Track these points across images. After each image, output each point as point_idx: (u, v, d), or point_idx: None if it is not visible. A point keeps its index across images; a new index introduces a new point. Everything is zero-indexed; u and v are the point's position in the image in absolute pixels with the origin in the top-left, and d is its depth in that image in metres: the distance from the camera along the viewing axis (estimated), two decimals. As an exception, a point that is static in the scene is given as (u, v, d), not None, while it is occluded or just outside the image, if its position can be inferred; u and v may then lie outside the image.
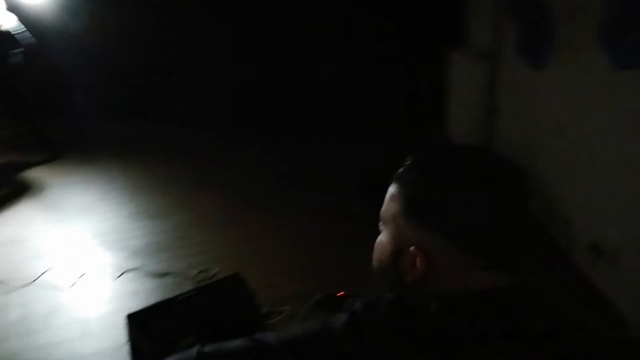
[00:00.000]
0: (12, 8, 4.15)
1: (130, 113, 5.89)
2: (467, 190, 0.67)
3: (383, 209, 0.75)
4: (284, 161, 4.36)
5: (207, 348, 0.72)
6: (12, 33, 4.16)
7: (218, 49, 5.43)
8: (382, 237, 0.76)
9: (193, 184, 3.89)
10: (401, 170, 0.73)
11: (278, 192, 3.68)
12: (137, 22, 5.66)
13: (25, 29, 4.25)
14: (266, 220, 3.21)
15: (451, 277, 0.69)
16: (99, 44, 5.78)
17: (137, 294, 2.41)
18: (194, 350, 0.72)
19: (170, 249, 2.82)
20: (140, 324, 1.72)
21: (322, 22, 4.91)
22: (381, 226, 0.77)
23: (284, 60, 5.18)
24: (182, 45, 5.61)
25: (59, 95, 5.57)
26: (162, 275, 2.53)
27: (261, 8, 5.07)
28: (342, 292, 1.69)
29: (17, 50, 4.26)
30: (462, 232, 0.67)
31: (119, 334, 1.97)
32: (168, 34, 5.63)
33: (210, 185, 3.84)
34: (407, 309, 0.67)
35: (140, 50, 5.76)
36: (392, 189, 0.74)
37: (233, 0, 5.12)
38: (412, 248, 0.69)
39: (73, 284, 2.51)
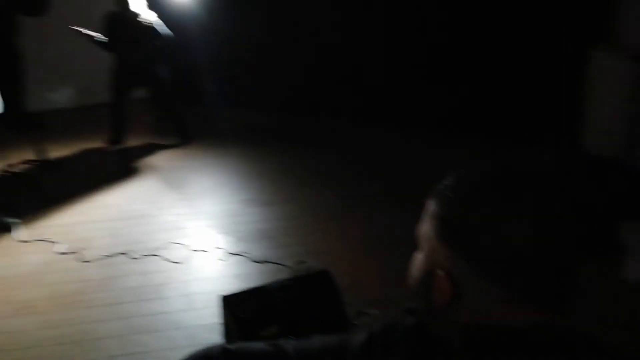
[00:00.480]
0: (152, 5, 4.65)
1: (256, 103, 6.23)
2: (503, 221, 0.60)
3: (420, 225, 0.69)
4: (402, 159, 4.29)
5: (232, 346, 0.74)
6: (153, 26, 4.62)
7: (349, 40, 5.47)
8: (418, 255, 0.71)
9: (305, 175, 3.99)
10: (441, 186, 0.67)
11: (390, 191, 3.61)
12: (267, 15, 5.92)
13: (163, 23, 4.69)
14: (370, 220, 3.18)
15: (479, 308, 0.62)
16: (230, 37, 6.17)
17: (238, 277, 2.53)
18: (219, 346, 0.75)
19: (274, 237, 2.92)
20: (232, 307, 1.80)
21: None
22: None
23: (416, 55, 5.04)
24: (312, 36, 5.75)
25: (192, 84, 6.09)
26: (262, 262, 2.63)
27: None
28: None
29: (157, 42, 4.72)
30: (494, 263, 0.60)
31: (217, 313, 2.09)
32: (298, 27, 5.81)
33: (321, 179, 3.91)
34: (426, 338, 0.63)
35: (271, 41, 6.03)
36: (429, 206, 0.68)
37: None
38: (440, 272, 0.64)
39: (185, 260, 2.72)
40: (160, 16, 4.75)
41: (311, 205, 3.39)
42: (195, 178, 4.06)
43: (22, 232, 3.10)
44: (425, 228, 0.68)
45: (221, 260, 2.70)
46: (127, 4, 4.48)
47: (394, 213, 3.24)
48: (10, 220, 3.20)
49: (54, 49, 5.85)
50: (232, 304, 1.82)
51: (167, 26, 4.77)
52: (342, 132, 5.26)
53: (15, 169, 4.35)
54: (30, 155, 4.50)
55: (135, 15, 4.53)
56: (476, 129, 4.55)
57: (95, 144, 5.04)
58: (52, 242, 2.95)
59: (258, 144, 4.95)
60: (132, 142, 5.01)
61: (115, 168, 4.40)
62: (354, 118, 5.44)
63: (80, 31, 4.44)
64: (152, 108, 5.49)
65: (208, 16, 5.93)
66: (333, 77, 5.63)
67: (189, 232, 3.06)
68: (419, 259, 0.71)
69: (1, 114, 4.23)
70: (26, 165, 4.45)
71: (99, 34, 4.56)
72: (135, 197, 3.67)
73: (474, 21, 4.64)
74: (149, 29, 4.59)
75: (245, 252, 2.74)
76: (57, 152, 4.76)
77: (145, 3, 4.61)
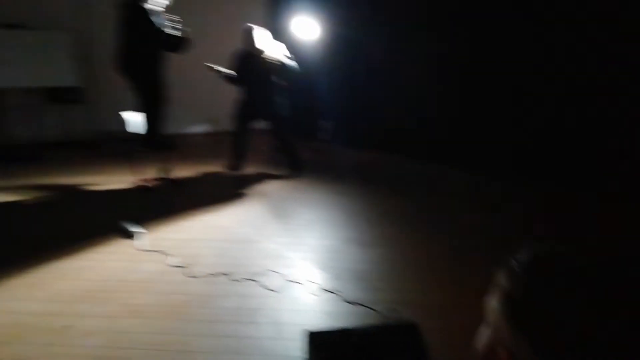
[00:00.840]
0: (280, 43, 5.04)
1: (370, 143, 6.32)
2: (576, 311, 0.55)
3: (488, 297, 0.67)
4: (526, 210, 4.08)
5: None
6: (280, 64, 4.99)
7: (463, 88, 5.40)
8: (484, 328, 0.68)
9: (410, 220, 3.94)
10: (512, 260, 0.63)
11: (503, 246, 3.41)
12: (384, 59, 6.05)
13: (290, 60, 5.03)
14: (476, 274, 3.03)
15: None
16: (351, 76, 6.37)
17: (328, 314, 2.54)
18: None
19: (369, 280, 2.90)
20: (315, 344, 1.81)
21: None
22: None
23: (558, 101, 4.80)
24: (426, 82, 5.75)
25: (310, 119, 6.37)
26: (354, 303, 2.62)
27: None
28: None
29: (283, 78, 5.07)
30: (559, 354, 0.55)
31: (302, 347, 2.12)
32: (412, 73, 5.85)
33: (427, 225, 3.83)
34: None
35: (388, 84, 6.14)
36: (498, 279, 0.65)
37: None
38: (503, 351, 0.61)
39: (280, 290, 2.81)
40: (289, 51, 5.13)
41: (412, 252, 3.32)
42: (300, 210, 4.20)
43: (143, 242, 3.43)
44: (491, 299, 0.66)
45: (314, 295, 2.74)
46: (253, 42, 4.91)
47: (494, 271, 3.07)
48: (136, 229, 3.57)
49: (190, 81, 6.53)
50: (316, 340, 1.83)
51: (294, 63, 5.10)
52: (455, 179, 5.14)
53: (147, 184, 4.85)
54: (160, 173, 5.01)
55: (261, 52, 4.93)
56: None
57: (216, 168, 5.47)
58: (167, 254, 3.23)
59: (366, 183, 5.02)
60: (249, 169, 5.35)
61: (230, 192, 4.71)
62: (470, 167, 5.29)
63: (213, 67, 4.95)
64: (270, 139, 5.84)
65: (330, 56, 6.21)
66: (448, 123, 5.56)
67: (287, 262, 3.16)
68: (484, 333, 0.68)
69: (143, 135, 4.81)
70: (156, 182, 4.95)
71: (228, 70, 5.04)
72: (244, 221, 3.90)
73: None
74: (274, 65, 4.96)
75: (339, 291, 2.75)
76: (182, 172, 5.24)
77: (270, 41, 5.01)
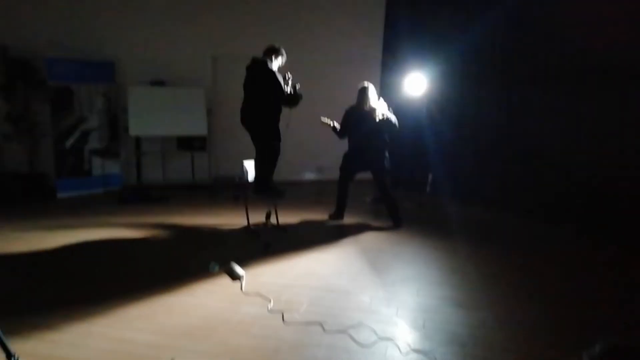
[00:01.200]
0: (382, 100, 5.22)
1: (478, 199, 6.14)
2: None
3: None
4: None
5: None
6: (388, 120, 5.14)
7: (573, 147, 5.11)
8: None
9: (514, 283, 3.73)
10: (593, 349, 0.64)
11: (615, 320, 3.11)
12: (501, 117, 5.92)
13: (392, 115, 5.17)
14: (584, 348, 2.77)
15: None
16: (457, 131, 6.31)
17: (416, 377, 2.48)
18: None
19: (463, 344, 2.78)
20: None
21: None
22: None
23: None
24: (534, 139, 5.52)
25: (415, 173, 6.36)
26: (443, 368, 2.53)
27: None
28: None
29: (388, 133, 5.20)
30: None
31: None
32: (517, 129, 5.66)
33: (533, 290, 3.60)
34: None
35: (497, 140, 5.98)
36: None
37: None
38: None
39: (370, 345, 2.80)
40: (392, 108, 5.28)
41: (512, 319, 3.13)
42: (397, 264, 4.18)
43: (246, 284, 3.64)
44: None
45: (402, 354, 2.70)
46: (367, 99, 5.13)
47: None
48: (241, 271, 3.81)
49: (302, 133, 6.93)
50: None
51: (397, 118, 5.24)
52: (570, 241, 4.80)
53: (255, 228, 5.17)
54: (268, 218, 5.31)
55: (374, 109, 5.13)
56: None
57: (319, 216, 5.65)
58: (266, 298, 3.39)
59: (469, 241, 4.86)
60: (349, 219, 5.46)
61: (331, 241, 4.83)
62: (581, 228, 4.93)
63: (326, 121, 5.26)
64: (373, 191, 5.94)
65: (438, 111, 6.23)
66: (557, 183, 5.25)
67: (380, 317, 3.14)
68: None
69: (256, 182, 5.17)
70: (263, 227, 5.25)
71: (338, 125, 5.31)
72: (341, 271, 3.97)
73: None
74: (383, 121, 5.13)
75: (429, 352, 2.68)
76: (288, 218, 5.50)
77: (377, 97, 5.21)
